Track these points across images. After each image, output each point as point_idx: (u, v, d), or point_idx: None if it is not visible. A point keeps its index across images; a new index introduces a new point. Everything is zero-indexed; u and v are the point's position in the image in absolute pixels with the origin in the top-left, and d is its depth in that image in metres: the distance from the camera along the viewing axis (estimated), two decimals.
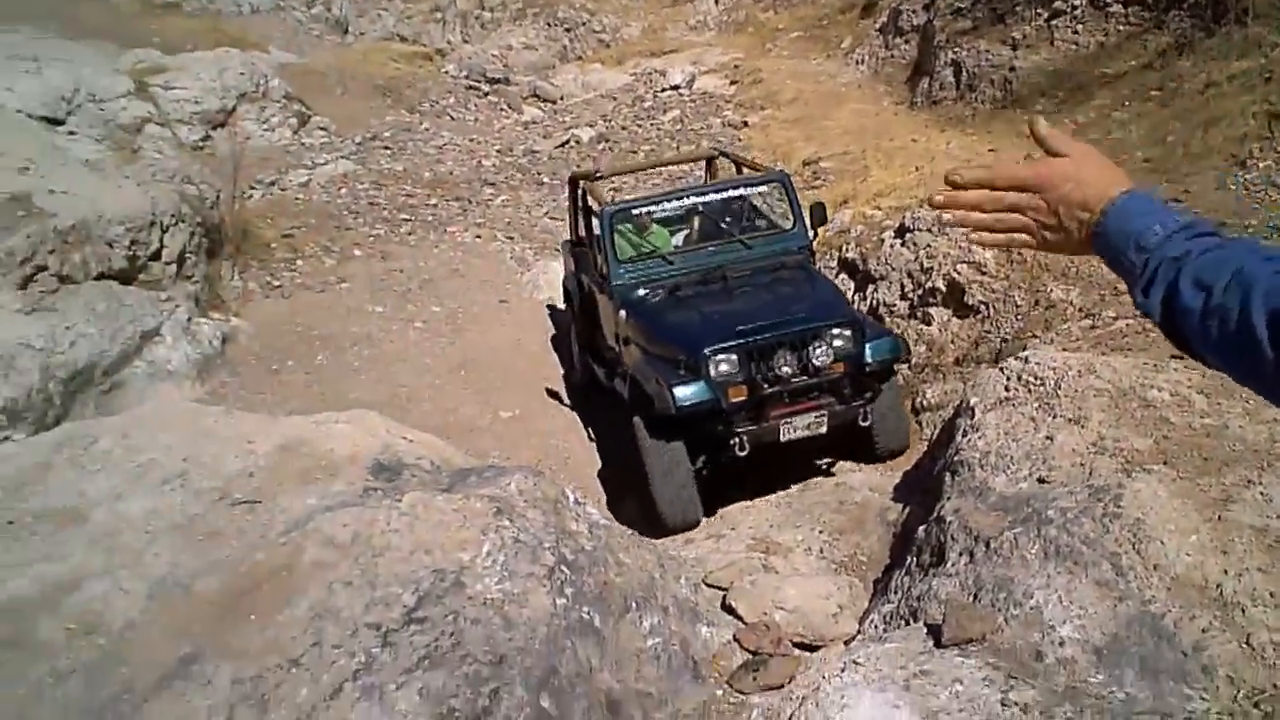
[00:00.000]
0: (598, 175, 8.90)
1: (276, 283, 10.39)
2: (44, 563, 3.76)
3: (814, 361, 6.27)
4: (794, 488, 6.70)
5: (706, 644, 4.41)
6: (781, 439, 6.29)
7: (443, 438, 5.68)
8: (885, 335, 6.82)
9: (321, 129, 16.67)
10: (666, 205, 7.77)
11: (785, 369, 6.26)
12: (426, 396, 8.42)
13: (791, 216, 7.59)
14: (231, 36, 18.89)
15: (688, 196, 7.90)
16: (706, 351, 6.20)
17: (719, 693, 4.11)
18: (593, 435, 8.09)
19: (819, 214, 7.45)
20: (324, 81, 18.72)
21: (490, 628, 3.51)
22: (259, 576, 3.67)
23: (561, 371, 9.15)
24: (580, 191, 8.61)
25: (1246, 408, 4.86)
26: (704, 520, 6.46)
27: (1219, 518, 3.94)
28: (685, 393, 6.11)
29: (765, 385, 6.24)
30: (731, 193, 7.89)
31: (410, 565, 3.71)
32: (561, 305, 9.56)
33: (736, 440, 6.19)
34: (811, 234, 7.57)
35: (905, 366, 7.65)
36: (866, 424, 6.45)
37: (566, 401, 8.47)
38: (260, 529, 4.00)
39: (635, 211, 7.71)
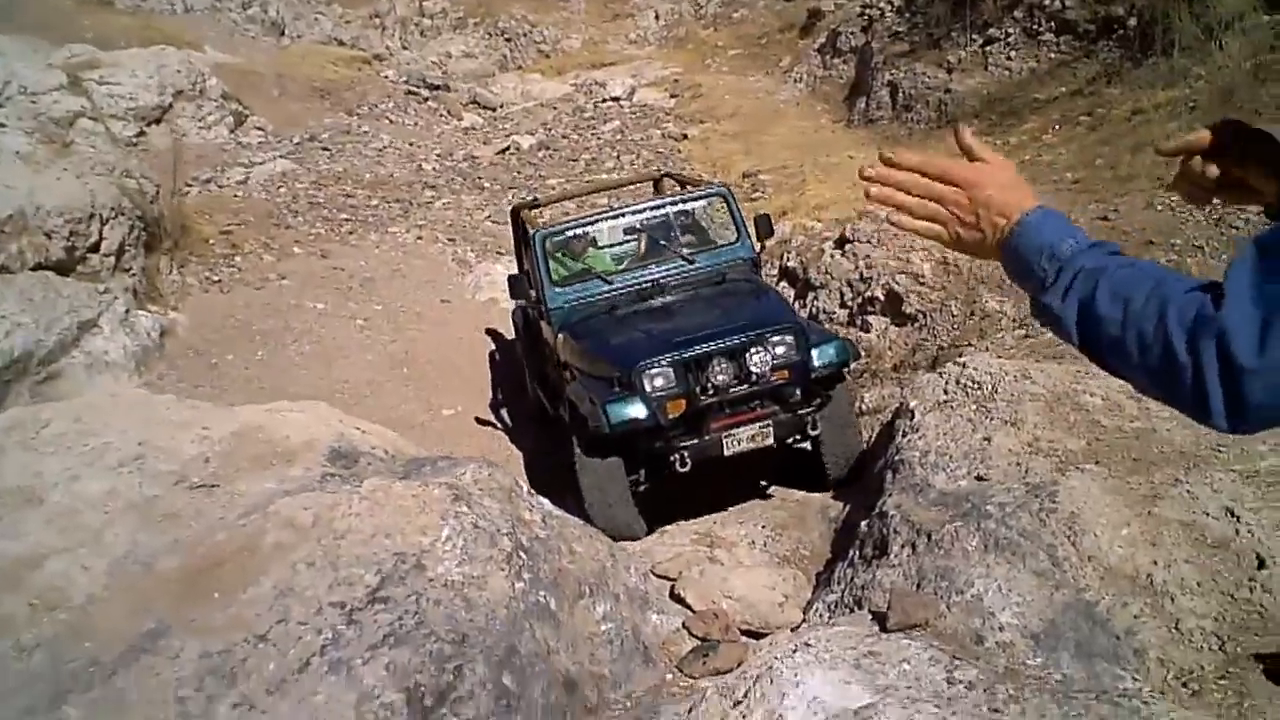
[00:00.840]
0: (536, 204, 8.74)
1: (215, 277, 10.31)
2: (2, 540, 3.75)
3: (752, 369, 6.00)
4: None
5: (657, 630, 4.52)
6: (725, 453, 6.01)
7: None
8: (831, 340, 6.52)
9: (259, 129, 16.54)
10: (602, 225, 7.62)
11: (722, 377, 5.97)
12: (368, 393, 8.43)
13: (735, 229, 7.36)
14: (166, 34, 18.62)
15: (625, 215, 7.65)
16: (640, 365, 5.95)
17: (669, 676, 4.22)
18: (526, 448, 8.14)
19: (764, 226, 7.29)
20: (261, 82, 18.56)
21: (452, 608, 3.57)
22: (220, 556, 3.70)
23: (492, 396, 9.14)
24: (521, 222, 8.23)
25: (1173, 413, 5.07)
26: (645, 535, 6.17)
27: (1148, 513, 4.15)
28: (619, 410, 5.88)
29: (703, 396, 5.99)
30: (670, 209, 7.58)
31: (372, 548, 3.76)
32: (502, 327, 9.56)
33: (677, 456, 5.95)
34: (757, 246, 7.45)
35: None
36: (816, 433, 6.19)
37: (498, 426, 8.44)
38: (219, 511, 4.02)
39: (569, 233, 7.47)
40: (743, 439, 6.02)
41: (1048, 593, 3.87)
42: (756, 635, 4.61)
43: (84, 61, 14.80)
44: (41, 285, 8.09)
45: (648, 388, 5.93)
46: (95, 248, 8.79)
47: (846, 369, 6.67)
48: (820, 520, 5.98)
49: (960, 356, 6.38)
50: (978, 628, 3.80)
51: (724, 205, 7.55)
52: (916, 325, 7.80)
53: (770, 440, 6.09)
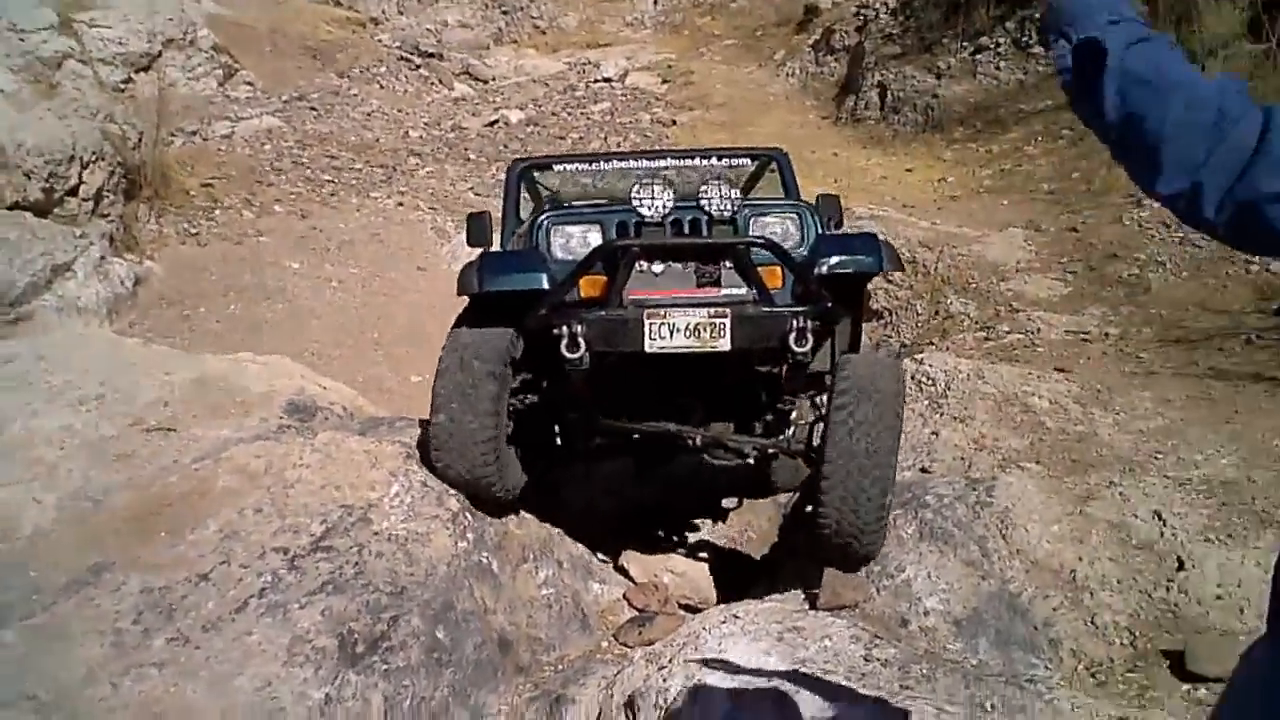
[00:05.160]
0: (546, 162, 6.34)
1: (194, 230, 10.32)
2: None
3: (708, 207, 4.11)
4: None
5: (597, 599, 4.62)
6: (647, 346, 3.85)
7: None
8: (862, 237, 4.48)
9: (248, 84, 16.47)
10: (610, 169, 5.92)
11: (655, 205, 4.04)
12: (337, 355, 8.48)
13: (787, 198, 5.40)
14: None
15: (642, 161, 6.00)
16: (544, 219, 4.30)
17: (605, 643, 4.32)
18: None
19: (832, 209, 5.27)
20: (254, 36, 18.47)
21: (393, 561, 3.67)
22: (170, 497, 3.78)
23: None
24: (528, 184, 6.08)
25: (1117, 419, 5.24)
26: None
27: (1080, 512, 4.28)
28: (502, 271, 4.22)
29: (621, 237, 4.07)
30: (704, 162, 5.76)
31: (320, 499, 3.85)
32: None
33: (566, 334, 3.83)
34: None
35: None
36: (803, 349, 3.85)
37: None
38: (174, 454, 4.10)
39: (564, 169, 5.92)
40: (680, 328, 3.85)
41: (974, 582, 3.99)
42: (694, 610, 4.72)
43: (76, 2, 14.71)
44: (17, 225, 8.10)
45: (555, 251, 4.18)
46: (74, 191, 8.80)
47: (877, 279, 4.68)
48: (770, 505, 6.09)
49: (920, 354, 6.51)
50: (904, 611, 3.92)
51: (777, 172, 5.77)
52: (882, 322, 7.93)
53: (725, 340, 3.86)
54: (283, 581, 3.39)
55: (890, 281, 7.98)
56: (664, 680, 3.24)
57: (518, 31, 28.30)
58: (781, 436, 4.54)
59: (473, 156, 14.60)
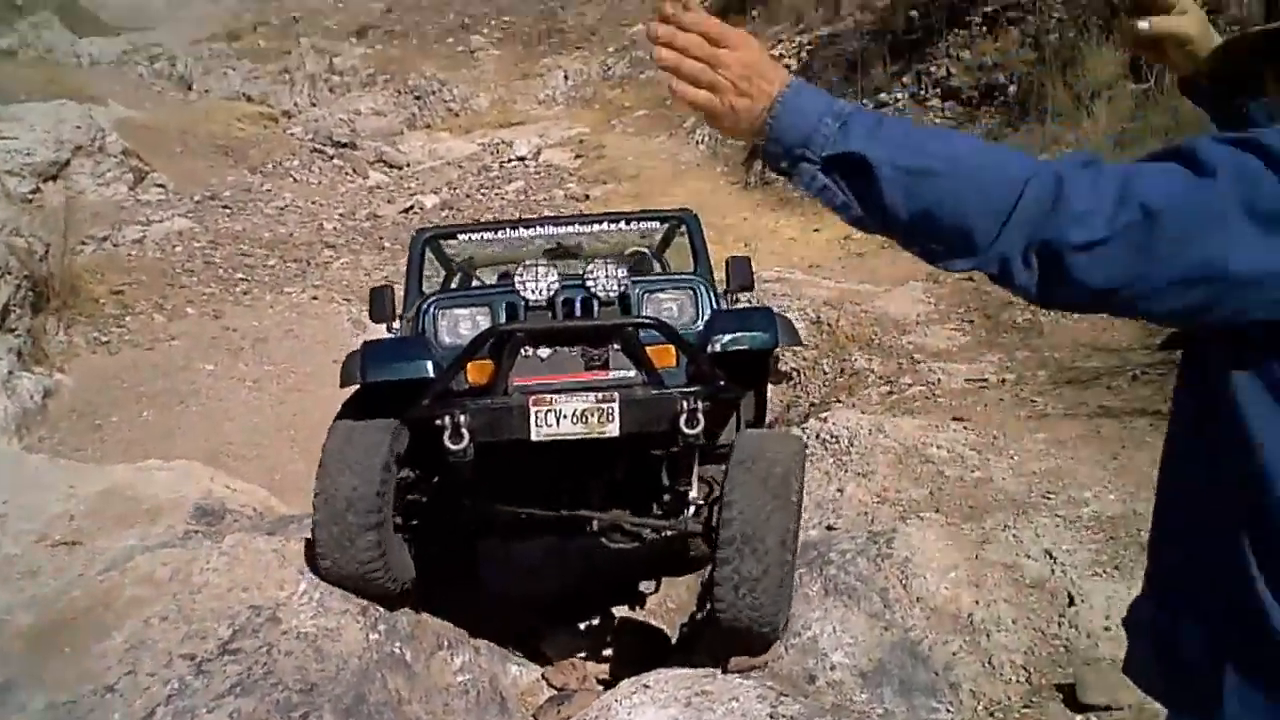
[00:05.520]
0: (451, 231, 6.17)
1: (104, 338, 10.26)
2: None
3: (594, 289, 4.10)
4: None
5: (516, 681, 4.66)
6: (533, 435, 3.79)
7: None
8: (758, 312, 4.66)
9: (159, 186, 16.45)
10: (513, 237, 5.69)
11: (539, 287, 4.05)
12: (253, 455, 8.45)
13: (696, 265, 5.29)
14: (70, 88, 18.49)
15: (545, 228, 5.94)
16: (428, 305, 4.27)
17: None
18: None
19: (742, 272, 5.17)
20: (164, 138, 18.50)
21: (303, 659, 3.70)
22: (75, 611, 3.79)
23: None
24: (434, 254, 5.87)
25: (1011, 463, 5.44)
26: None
27: (976, 556, 4.43)
28: (386, 361, 4.11)
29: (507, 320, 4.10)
30: (611, 226, 5.76)
31: (227, 601, 3.88)
32: None
33: (449, 425, 3.74)
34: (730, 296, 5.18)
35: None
36: (694, 431, 3.75)
37: None
38: (79, 568, 4.11)
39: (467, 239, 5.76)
40: (565, 415, 3.79)
41: (878, 633, 4.12)
42: (613, 686, 4.78)
43: None
44: None
45: (442, 336, 4.16)
46: None
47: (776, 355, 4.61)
48: (691, 576, 6.17)
49: (824, 413, 6.68)
50: (811, 667, 4.03)
51: (685, 235, 5.56)
52: (791, 383, 8.12)
53: (614, 426, 3.79)
54: (190, 687, 3.41)
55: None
56: None
57: (431, 115, 28.55)
58: (680, 518, 4.37)
59: (388, 244, 14.68)
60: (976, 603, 4.16)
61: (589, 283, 4.11)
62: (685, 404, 3.76)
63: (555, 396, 3.81)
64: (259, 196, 16.67)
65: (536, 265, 4.13)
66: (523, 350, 3.93)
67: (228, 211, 15.55)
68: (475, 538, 4.89)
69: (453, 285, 5.74)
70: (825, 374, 7.85)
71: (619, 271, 4.16)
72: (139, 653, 3.54)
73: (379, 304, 5.10)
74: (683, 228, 5.62)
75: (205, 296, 11.78)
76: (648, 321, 3.97)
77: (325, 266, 13.43)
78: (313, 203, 16.90)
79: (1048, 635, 3.96)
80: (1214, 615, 1.31)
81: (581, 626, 5.55)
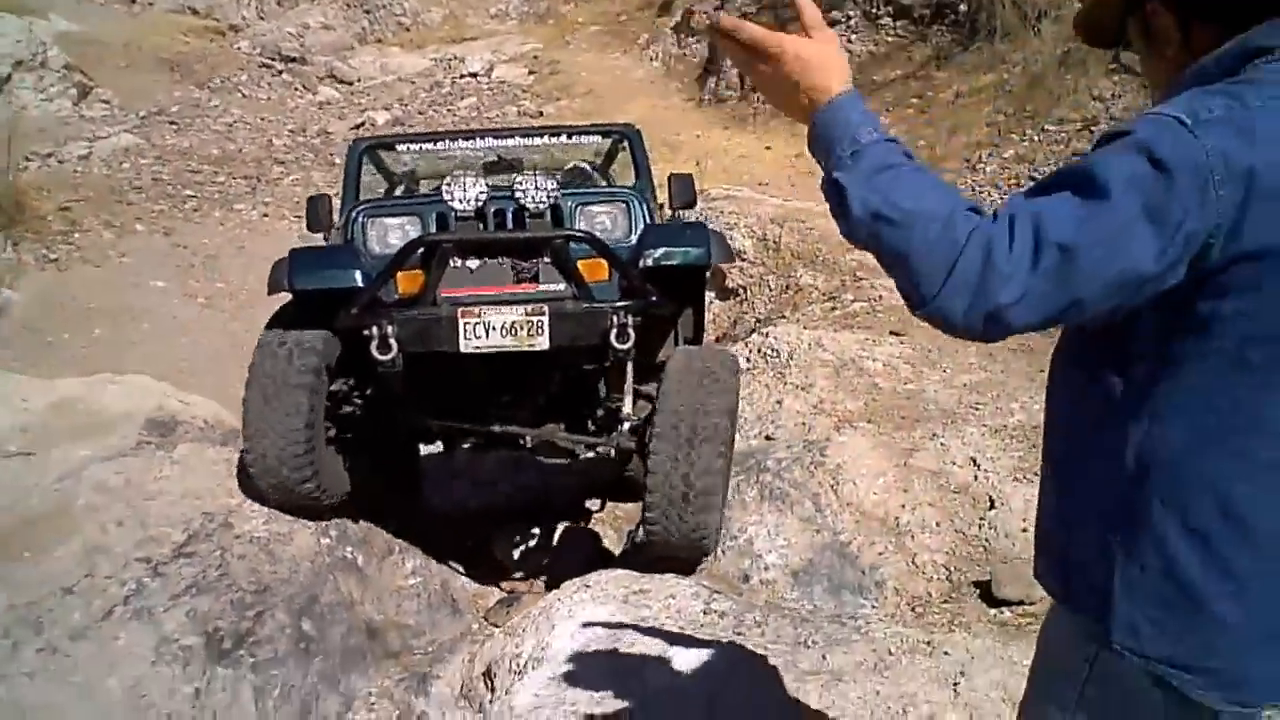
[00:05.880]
0: (388, 142, 6.30)
1: (52, 255, 10.18)
2: None
3: (523, 200, 4.12)
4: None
5: (466, 585, 4.85)
6: (462, 346, 3.81)
7: None
8: (692, 227, 4.51)
9: (104, 102, 16.13)
10: (452, 148, 5.73)
11: (466, 198, 4.07)
12: (206, 370, 8.49)
13: (639, 179, 5.25)
14: (9, 2, 18.00)
15: (485, 138, 5.84)
16: (357, 214, 4.26)
17: (475, 626, 4.56)
18: None
19: (684, 189, 5.18)
20: (108, 52, 18.08)
21: (256, 561, 3.85)
22: (32, 518, 3.89)
23: None
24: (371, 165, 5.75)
25: (943, 376, 5.65)
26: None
27: (905, 464, 4.65)
28: (311, 268, 4.04)
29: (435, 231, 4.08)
30: (552, 140, 5.69)
31: (181, 508, 4.01)
32: None
33: (376, 335, 3.75)
34: (668, 211, 5.30)
35: None
36: (625, 346, 3.81)
37: None
38: (34, 477, 4.19)
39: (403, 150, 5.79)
40: (494, 326, 3.80)
41: (809, 536, 4.34)
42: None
43: None
44: None
45: (372, 245, 4.17)
46: None
47: (710, 272, 4.68)
48: (636, 484, 6.37)
49: (766, 328, 6.85)
50: (746, 568, 4.25)
51: (628, 150, 5.51)
52: (738, 299, 8.27)
53: (544, 338, 3.81)
54: (147, 588, 3.55)
55: (744, 259, 8.33)
56: (516, 647, 3.50)
57: (382, 30, 28.05)
58: (613, 434, 4.40)
59: (339, 161, 14.52)
60: (903, 507, 4.39)
61: (517, 194, 4.12)
62: (616, 318, 3.79)
63: (484, 308, 3.81)
64: (207, 112, 16.41)
65: (464, 175, 4.12)
66: (452, 261, 3.90)
67: (175, 127, 15.32)
68: (412, 451, 4.94)
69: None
70: (770, 290, 8.01)
71: (548, 183, 4.17)
72: (96, 556, 3.66)
73: (314, 212, 5.00)
74: (625, 143, 5.61)
75: (154, 213, 11.68)
76: (578, 234, 3.97)
77: (275, 183, 13.33)
78: (262, 119, 16.67)
79: (969, 536, 4.19)
80: (1103, 520, 1.44)
81: (532, 533, 5.73)
